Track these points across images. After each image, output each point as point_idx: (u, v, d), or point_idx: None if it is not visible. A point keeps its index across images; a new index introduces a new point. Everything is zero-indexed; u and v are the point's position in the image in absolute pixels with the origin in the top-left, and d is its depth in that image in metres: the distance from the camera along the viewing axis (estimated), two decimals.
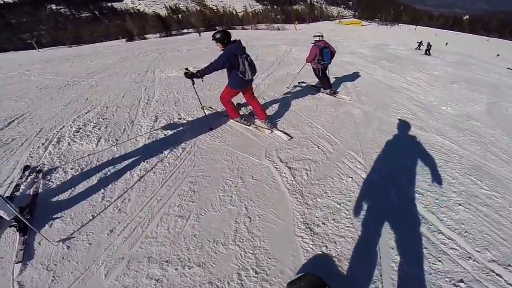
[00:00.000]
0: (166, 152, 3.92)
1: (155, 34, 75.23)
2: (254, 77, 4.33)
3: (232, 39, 4.02)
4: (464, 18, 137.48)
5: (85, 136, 4.51)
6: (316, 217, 2.83)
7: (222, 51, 3.96)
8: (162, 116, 5.19)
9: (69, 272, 2.33)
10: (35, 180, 3.45)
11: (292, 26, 71.72)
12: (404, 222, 2.82)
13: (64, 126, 4.99)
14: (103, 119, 5.22)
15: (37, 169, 3.66)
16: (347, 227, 2.73)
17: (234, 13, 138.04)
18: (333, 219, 2.81)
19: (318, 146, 4.14)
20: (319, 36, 6.32)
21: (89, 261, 2.42)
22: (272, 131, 4.51)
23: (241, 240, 2.58)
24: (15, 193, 3.24)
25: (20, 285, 2.26)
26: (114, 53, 18.19)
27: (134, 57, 14.59)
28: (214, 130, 4.58)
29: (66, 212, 2.92)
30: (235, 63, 3.96)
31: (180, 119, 5.08)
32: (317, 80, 6.92)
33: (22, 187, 3.32)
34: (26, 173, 3.60)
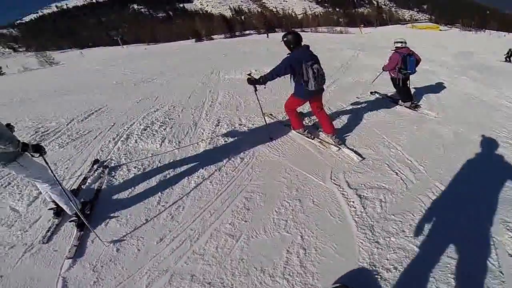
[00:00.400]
0: (224, 161, 3.67)
1: (220, 34, 78.22)
2: (323, 87, 3.85)
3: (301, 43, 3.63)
4: None
5: (151, 135, 4.54)
6: (387, 260, 2.27)
7: (286, 56, 3.58)
8: (224, 121, 5.01)
9: (112, 277, 2.21)
10: (101, 175, 3.49)
11: (356, 29, 67.93)
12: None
13: (134, 123, 5.11)
14: (169, 119, 5.25)
15: (104, 164, 3.72)
16: None
17: (294, 15, 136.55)
18: (408, 265, 2.22)
19: (396, 173, 3.41)
20: (401, 42, 5.53)
21: (134, 268, 2.27)
22: (339, 149, 3.93)
23: (291, 274, 2.18)
24: (82, 186, 3.29)
25: (64, 281, 2.20)
26: (183, 53, 19.12)
27: (201, 58, 15.02)
28: (274, 141, 4.20)
29: (122, 212, 2.86)
30: (299, 70, 3.52)
31: (240, 125, 4.84)
32: (394, 90, 6.02)
33: (88, 180, 3.39)
34: (95, 166, 3.68)
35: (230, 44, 25.57)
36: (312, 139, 4.17)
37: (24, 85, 12.20)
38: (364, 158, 3.72)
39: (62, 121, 5.48)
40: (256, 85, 3.80)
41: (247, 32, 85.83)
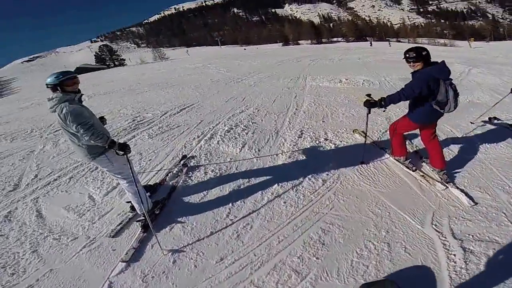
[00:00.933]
0: (303, 180, 3.23)
1: (307, 40, 77.11)
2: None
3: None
4: None
5: (233, 138, 4.41)
6: None
7: (418, 74, 2.88)
8: (308, 132, 4.55)
9: None
10: (179, 173, 3.44)
11: (465, 43, 58.07)
12: None
13: (219, 123, 5.11)
14: (252, 123, 5.07)
15: (184, 162, 3.69)
16: None
17: (389, 24, 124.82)
18: None
19: None
20: None
21: (186, 287, 2.05)
22: (447, 187, 3.05)
23: None
24: (165, 180, 3.28)
25: (110, 286, 2.10)
26: (272, 56, 19.28)
27: (289, 62, 14.80)
28: (365, 166, 3.52)
29: (190, 219, 2.73)
30: (435, 90, 2.83)
31: (326, 139, 4.29)
32: None
33: (168, 177, 3.35)
34: (181, 162, 3.66)
35: (317, 50, 24.70)
36: (414, 170, 3.37)
37: (135, 77, 13.88)
38: (476, 203, 2.80)
39: (157, 113, 5.89)
40: (373, 108, 3.17)
41: (335, 39, 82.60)
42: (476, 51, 31.44)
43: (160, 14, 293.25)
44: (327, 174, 3.32)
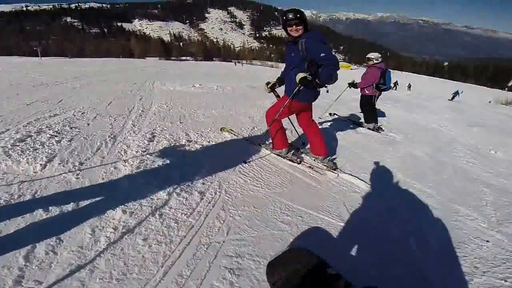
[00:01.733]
0: (168, 198, 2.02)
1: (155, 57, 74.36)
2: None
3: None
4: (445, 64, 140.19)
5: (30, 149, 2.62)
6: None
7: (311, 39, 2.38)
8: (162, 135, 3.35)
9: None
10: None
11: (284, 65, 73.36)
12: None
13: (8, 130, 3.09)
14: (71, 128, 3.36)
15: None
16: None
17: (232, 47, 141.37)
18: None
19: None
20: (378, 56, 4.97)
21: None
22: (338, 175, 2.75)
23: None
24: None
25: None
26: (112, 64, 16.69)
27: (132, 69, 12.97)
28: (248, 166, 2.73)
29: None
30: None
31: (190, 141, 3.24)
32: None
33: None
34: None
35: (167, 63, 23.67)
36: (299, 163, 2.90)
37: None
38: (369, 185, 2.68)
39: None
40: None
41: (183, 58, 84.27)
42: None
43: None
44: (203, 184, 2.26)
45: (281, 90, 2.93)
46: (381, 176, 3.03)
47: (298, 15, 2.36)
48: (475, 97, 28.93)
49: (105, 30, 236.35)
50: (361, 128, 5.16)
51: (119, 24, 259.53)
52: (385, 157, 3.68)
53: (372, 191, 2.58)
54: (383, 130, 5.18)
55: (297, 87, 2.51)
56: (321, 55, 2.29)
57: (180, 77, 10.58)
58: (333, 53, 2.36)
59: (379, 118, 5.44)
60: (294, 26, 2.38)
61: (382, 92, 5.22)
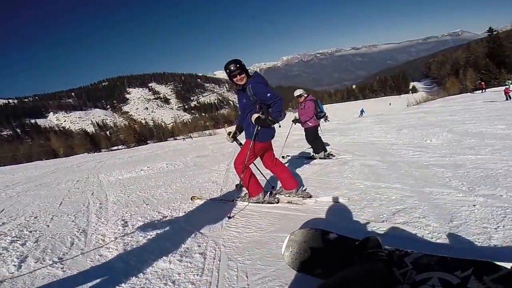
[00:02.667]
0: (171, 266, 1.98)
1: (83, 153, 69.96)
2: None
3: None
4: (354, 87, 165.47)
5: None
6: None
7: (255, 84, 2.78)
8: (134, 218, 3.27)
9: None
10: None
11: (223, 130, 75.79)
12: None
13: None
14: (29, 232, 3.18)
15: None
16: None
17: (164, 125, 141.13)
18: None
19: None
20: (302, 91, 5.89)
21: None
22: (316, 200, 3.02)
23: None
24: None
25: None
26: (40, 167, 15.44)
27: (67, 168, 12.18)
28: (234, 219, 2.84)
29: None
30: None
31: (165, 217, 3.21)
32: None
33: None
34: None
35: (100, 155, 22.67)
36: (277, 202, 3.11)
37: None
38: (348, 198, 3.02)
39: None
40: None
41: (115, 148, 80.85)
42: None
43: None
44: (199, 246, 2.26)
45: (241, 137, 3.26)
46: (351, 188, 3.42)
47: (238, 65, 2.78)
48: (388, 107, 34.10)
49: (18, 130, 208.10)
50: (314, 160, 5.70)
51: (32, 121, 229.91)
52: (346, 174, 4.19)
53: (352, 201, 2.91)
54: (334, 156, 5.78)
55: (256, 128, 2.84)
56: (268, 95, 2.72)
57: (123, 165, 10.29)
58: (275, 94, 2.77)
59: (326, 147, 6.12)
60: (238, 76, 2.79)
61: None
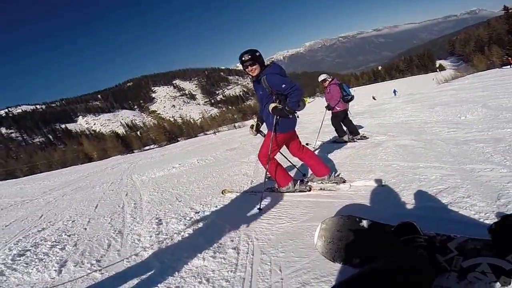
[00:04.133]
0: (205, 263, 2.05)
1: (116, 156, 73.61)
2: None
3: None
4: (380, 68, 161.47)
5: (35, 260, 2.77)
6: None
7: (271, 75, 2.78)
8: (168, 216, 3.43)
9: None
10: None
11: (251, 121, 75.97)
12: None
13: None
14: (69, 236, 3.45)
15: None
16: None
17: (193, 121, 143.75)
18: None
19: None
20: (327, 75, 5.86)
21: None
22: (350, 185, 2.97)
23: None
24: None
25: None
26: (75, 172, 16.76)
27: (101, 171, 13.01)
28: (266, 211, 2.86)
29: None
30: None
31: (197, 213, 3.33)
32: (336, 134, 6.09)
33: None
34: None
35: (133, 157, 23.88)
36: (310, 190, 3.09)
37: None
38: (385, 181, 2.96)
39: None
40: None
41: (147, 148, 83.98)
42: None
43: None
44: (232, 241, 2.32)
45: (264, 128, 3.27)
46: (387, 170, 3.33)
47: (250, 56, 2.77)
48: (417, 86, 32.72)
49: (50, 136, 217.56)
50: (347, 144, 5.60)
51: (62, 126, 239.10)
52: (380, 156, 4.11)
53: (389, 184, 2.84)
54: (367, 137, 5.65)
55: (274, 118, 2.85)
56: (283, 86, 2.70)
57: (155, 164, 10.75)
58: (292, 83, 2.75)
59: (359, 130, 6.01)
60: (249, 67, 2.79)
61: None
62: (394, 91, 32.49)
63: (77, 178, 11.96)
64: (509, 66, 34.89)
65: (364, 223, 1.60)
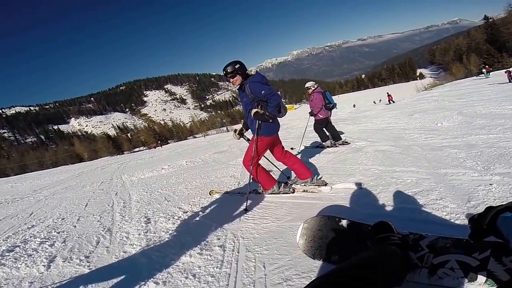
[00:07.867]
0: (192, 260, 2.03)
1: (106, 157, 72.12)
2: None
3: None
4: (363, 76, 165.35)
5: (24, 256, 2.70)
6: None
7: (252, 83, 2.87)
8: (157, 215, 3.37)
9: None
10: None
11: (239, 125, 76.30)
12: None
13: None
14: (58, 233, 3.35)
15: None
16: None
17: (182, 125, 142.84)
18: None
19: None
20: (313, 84, 5.92)
21: None
22: (331, 187, 3.00)
23: None
24: None
25: None
26: (66, 171, 16.26)
27: (92, 171, 12.70)
28: (251, 211, 2.86)
29: None
30: None
31: (186, 212, 3.28)
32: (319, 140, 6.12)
33: None
34: None
35: (122, 158, 23.43)
36: (293, 192, 3.11)
37: None
38: (362, 184, 3.00)
39: None
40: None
41: (137, 149, 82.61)
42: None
43: None
44: (218, 239, 2.30)
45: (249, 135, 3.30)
46: (366, 174, 3.39)
47: (230, 69, 2.88)
48: (397, 94, 33.88)
49: (42, 137, 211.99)
50: (329, 149, 5.68)
51: (55, 127, 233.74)
52: (360, 160, 4.18)
53: (368, 187, 2.89)
54: (349, 143, 5.74)
55: (257, 122, 2.92)
56: (262, 92, 2.79)
57: (144, 165, 10.59)
58: (272, 91, 2.84)
59: (341, 135, 6.09)
60: (231, 79, 2.91)
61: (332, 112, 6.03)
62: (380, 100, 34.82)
63: (68, 177, 11.64)
64: (483, 75, 35.03)
65: (344, 222, 1.63)
